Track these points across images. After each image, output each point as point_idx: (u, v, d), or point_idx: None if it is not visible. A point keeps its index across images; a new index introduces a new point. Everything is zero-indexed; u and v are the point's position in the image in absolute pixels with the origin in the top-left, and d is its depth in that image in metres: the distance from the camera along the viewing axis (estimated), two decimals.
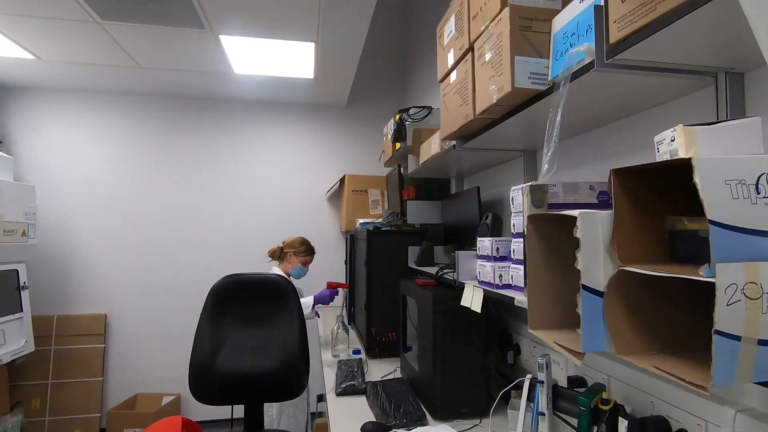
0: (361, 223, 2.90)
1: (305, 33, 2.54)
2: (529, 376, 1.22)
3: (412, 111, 2.36)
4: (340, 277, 3.52)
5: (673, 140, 0.57)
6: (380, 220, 3.03)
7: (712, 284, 0.45)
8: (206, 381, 1.69)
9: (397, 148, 2.44)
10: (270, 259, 2.69)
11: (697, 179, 0.46)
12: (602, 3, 0.80)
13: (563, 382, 1.25)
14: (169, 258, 3.62)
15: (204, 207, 3.70)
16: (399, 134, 2.38)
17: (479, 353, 1.55)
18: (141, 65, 2.98)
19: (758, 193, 0.47)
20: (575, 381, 1.22)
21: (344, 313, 2.50)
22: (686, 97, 0.97)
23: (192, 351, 1.72)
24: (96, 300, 3.50)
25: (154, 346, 3.55)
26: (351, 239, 2.97)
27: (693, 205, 0.48)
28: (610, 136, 1.22)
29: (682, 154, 0.55)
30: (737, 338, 0.45)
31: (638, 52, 0.75)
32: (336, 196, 3.89)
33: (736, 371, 0.46)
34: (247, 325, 1.75)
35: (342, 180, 3.59)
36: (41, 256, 3.24)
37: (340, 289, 2.61)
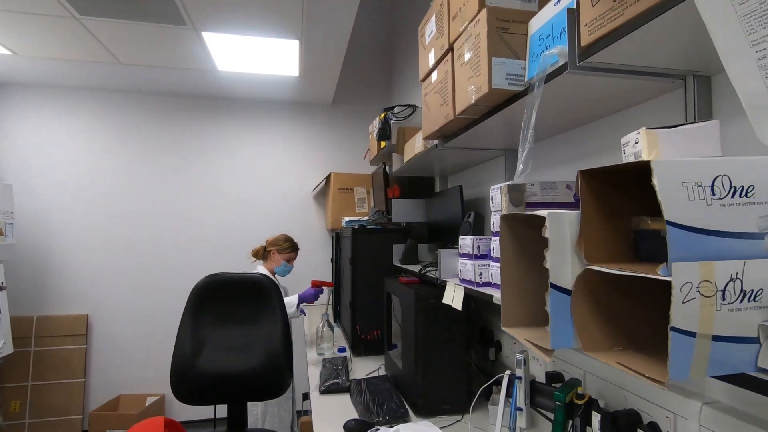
0: (346, 222, 2.90)
1: (289, 30, 2.52)
2: (508, 372, 1.24)
3: (396, 110, 2.36)
4: (327, 275, 3.52)
5: (637, 143, 0.59)
6: (366, 218, 3.04)
7: (670, 283, 0.47)
8: (188, 381, 1.68)
9: (382, 146, 2.45)
10: (254, 259, 2.67)
11: (655, 181, 0.48)
12: (575, 6, 0.81)
13: (542, 378, 1.28)
14: (153, 257, 3.57)
15: (188, 205, 3.66)
16: (384, 133, 2.39)
17: (461, 350, 1.57)
18: (121, 61, 2.93)
19: (713, 194, 0.49)
20: (553, 376, 1.24)
21: (329, 311, 2.50)
22: (658, 99, 1.00)
23: (174, 351, 1.70)
24: (77, 300, 3.44)
25: (138, 346, 3.50)
26: (337, 238, 2.97)
27: (656, 205, 0.50)
28: (588, 137, 1.25)
29: (645, 156, 0.57)
30: (692, 334, 0.47)
31: (609, 55, 0.77)
32: (322, 194, 3.88)
33: (692, 366, 0.48)
34: (230, 325, 1.74)
35: (328, 178, 3.58)
36: (20, 256, 3.17)
37: (325, 288, 2.61)
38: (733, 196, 0.49)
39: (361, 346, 2.28)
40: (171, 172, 3.64)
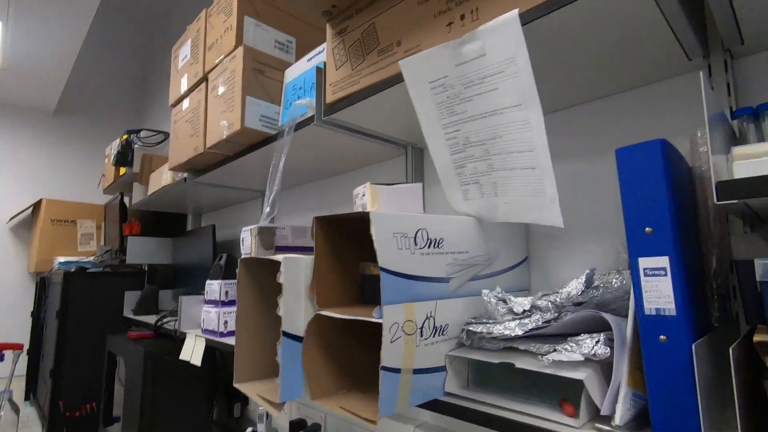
0: (60, 263, 2.27)
1: None
2: (250, 429, 1.15)
3: (143, 134, 2.06)
4: (22, 335, 2.60)
5: (364, 195, 0.65)
6: (92, 258, 2.45)
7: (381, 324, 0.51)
8: None
9: (121, 173, 2.08)
10: None
11: (372, 231, 0.52)
12: (323, 66, 0.88)
13: (286, 428, 1.23)
14: None
15: None
16: (124, 158, 2.04)
17: (202, 410, 1.38)
18: None
19: (416, 245, 0.57)
20: (297, 424, 1.22)
21: (14, 386, 1.82)
22: (391, 161, 1.18)
23: None
24: None
25: None
26: (42, 283, 2.26)
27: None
28: (337, 187, 1.35)
29: (369, 208, 0.63)
30: (398, 371, 0.52)
31: (349, 115, 0.85)
32: (25, 226, 2.94)
33: (398, 400, 0.53)
34: None
35: (37, 205, 2.76)
36: None
37: (9, 352, 1.91)
38: (429, 247, 0.59)
39: (65, 427, 1.73)
40: None
